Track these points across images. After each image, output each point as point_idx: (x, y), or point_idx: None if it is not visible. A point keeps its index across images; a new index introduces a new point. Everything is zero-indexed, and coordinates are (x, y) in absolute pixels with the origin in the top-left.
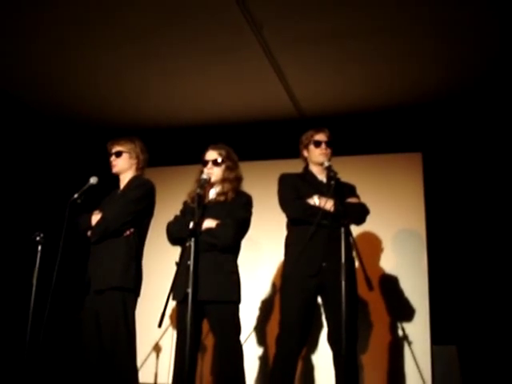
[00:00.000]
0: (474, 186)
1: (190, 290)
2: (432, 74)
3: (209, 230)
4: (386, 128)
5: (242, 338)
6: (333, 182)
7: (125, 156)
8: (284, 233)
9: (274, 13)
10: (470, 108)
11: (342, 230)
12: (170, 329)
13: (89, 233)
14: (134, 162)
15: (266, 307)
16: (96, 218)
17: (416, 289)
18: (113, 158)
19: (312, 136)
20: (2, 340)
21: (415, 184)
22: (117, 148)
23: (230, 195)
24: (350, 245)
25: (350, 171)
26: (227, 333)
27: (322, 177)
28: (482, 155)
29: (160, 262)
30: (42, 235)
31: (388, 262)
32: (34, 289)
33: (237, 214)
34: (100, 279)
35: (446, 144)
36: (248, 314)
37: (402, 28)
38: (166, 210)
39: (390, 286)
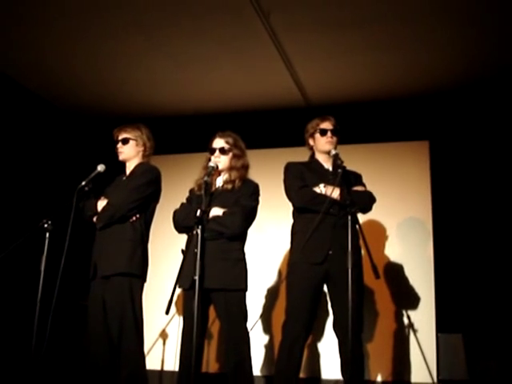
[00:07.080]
0: (481, 174)
1: (197, 278)
2: (440, 63)
3: (216, 218)
4: (393, 116)
5: (249, 325)
6: (340, 170)
7: (132, 143)
8: (291, 221)
9: (281, 0)
10: (478, 97)
11: (349, 217)
12: (177, 316)
13: (94, 219)
14: (141, 149)
15: (273, 295)
16: (102, 204)
17: (421, 277)
18: (119, 145)
19: (318, 125)
20: (11, 327)
21: (422, 172)
22: (123, 135)
23: (237, 183)
24: (357, 233)
25: (356, 159)
26: (234, 320)
27: (328, 165)
28: (490, 144)
29: (167, 250)
30: (49, 222)
31: (394, 251)
32: (41, 276)
33: (244, 203)
34: (106, 265)
35: (453, 132)
36: (255, 301)
37: (410, 17)
38: (173, 197)
39: (395, 274)
